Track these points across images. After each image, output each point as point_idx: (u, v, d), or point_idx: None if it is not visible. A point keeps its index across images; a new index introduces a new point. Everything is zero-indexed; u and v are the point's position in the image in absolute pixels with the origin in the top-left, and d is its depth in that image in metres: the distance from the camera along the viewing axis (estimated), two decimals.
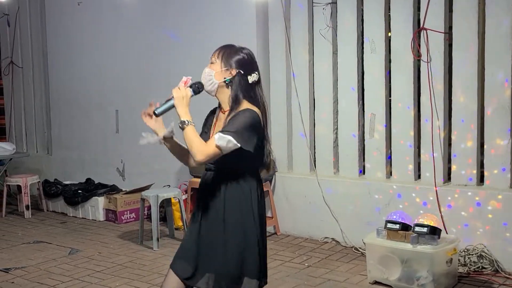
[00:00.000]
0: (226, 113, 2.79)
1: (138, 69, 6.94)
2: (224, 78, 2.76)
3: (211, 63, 2.80)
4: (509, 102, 4.58)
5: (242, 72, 2.76)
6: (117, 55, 7.12)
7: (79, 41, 7.53)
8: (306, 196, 5.65)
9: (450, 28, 4.85)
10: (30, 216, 7.01)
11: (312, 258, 5.11)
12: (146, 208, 6.06)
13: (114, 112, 7.21)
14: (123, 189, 6.92)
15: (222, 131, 2.64)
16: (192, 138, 2.65)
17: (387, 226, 4.40)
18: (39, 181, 7.31)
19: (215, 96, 2.84)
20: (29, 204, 7.06)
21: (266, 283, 2.93)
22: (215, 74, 2.77)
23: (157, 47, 6.71)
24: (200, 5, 6.26)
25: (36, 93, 8.34)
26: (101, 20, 7.23)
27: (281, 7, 5.69)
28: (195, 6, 6.30)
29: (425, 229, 4.21)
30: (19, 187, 7.14)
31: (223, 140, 2.61)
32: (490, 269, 4.53)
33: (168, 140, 2.87)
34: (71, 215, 6.97)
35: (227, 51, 2.79)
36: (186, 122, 2.67)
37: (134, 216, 6.61)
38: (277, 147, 5.90)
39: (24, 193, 7.04)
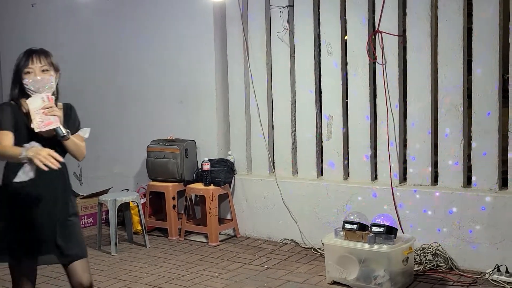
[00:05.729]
0: None
1: (93, 71, 6.85)
2: (56, 80, 3.09)
3: (47, 70, 3.01)
4: (461, 103, 4.70)
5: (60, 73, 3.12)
6: (72, 57, 7.01)
7: (33, 43, 7.29)
8: (265, 198, 5.67)
9: (404, 31, 4.95)
10: None
11: (271, 259, 5.13)
12: (104, 213, 5.98)
13: None
14: (81, 194, 6.81)
15: (78, 127, 3.10)
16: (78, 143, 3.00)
17: (345, 226, 4.45)
18: None
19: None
20: None
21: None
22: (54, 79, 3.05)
23: (113, 49, 6.63)
24: (158, 7, 6.22)
25: None
26: (56, 22, 7.11)
27: (238, 9, 5.71)
28: (152, 9, 6.25)
29: (381, 229, 4.28)
30: None
31: (87, 133, 3.09)
32: (445, 267, 4.63)
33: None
34: None
35: (50, 56, 3.07)
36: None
37: (92, 221, 6.51)
38: (236, 149, 5.92)
39: None
